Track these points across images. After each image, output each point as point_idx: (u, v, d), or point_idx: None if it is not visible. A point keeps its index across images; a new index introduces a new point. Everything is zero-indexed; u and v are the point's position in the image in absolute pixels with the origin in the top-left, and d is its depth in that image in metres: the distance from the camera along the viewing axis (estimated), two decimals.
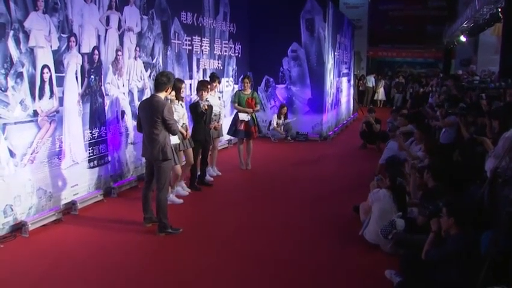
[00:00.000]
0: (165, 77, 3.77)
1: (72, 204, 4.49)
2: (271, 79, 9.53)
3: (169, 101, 4.31)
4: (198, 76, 7.25)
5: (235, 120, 6.39)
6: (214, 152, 6.12)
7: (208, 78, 6.28)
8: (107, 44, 4.95)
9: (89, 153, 4.82)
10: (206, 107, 5.22)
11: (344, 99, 12.07)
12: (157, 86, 3.79)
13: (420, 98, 10.99)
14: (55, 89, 4.22)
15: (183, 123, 4.75)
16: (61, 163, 4.39)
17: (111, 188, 5.11)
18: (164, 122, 3.71)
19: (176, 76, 5.69)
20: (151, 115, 3.72)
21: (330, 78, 9.84)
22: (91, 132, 4.81)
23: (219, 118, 5.91)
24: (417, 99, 10.75)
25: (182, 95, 4.87)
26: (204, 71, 7.43)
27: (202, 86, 5.28)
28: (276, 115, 9.17)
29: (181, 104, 4.78)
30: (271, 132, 9.20)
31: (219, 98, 6.08)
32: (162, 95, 3.81)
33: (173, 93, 4.53)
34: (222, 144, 8.02)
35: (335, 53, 10.29)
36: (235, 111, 6.54)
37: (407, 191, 3.87)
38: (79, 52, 4.53)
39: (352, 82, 13.50)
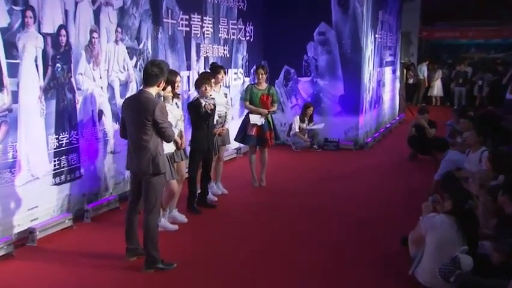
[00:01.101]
0: (157, 67, 3.73)
1: (29, 232, 4.28)
2: (293, 70, 9.55)
3: (162, 98, 4.31)
4: (197, 66, 7.26)
5: (246, 124, 6.41)
6: (218, 165, 6.16)
7: (209, 69, 6.33)
8: (77, 23, 4.83)
9: (55, 165, 4.69)
10: (211, 107, 5.28)
11: (387, 95, 12.01)
12: (146, 79, 3.75)
13: (497, 91, 10.67)
14: (6, 80, 3.98)
15: (180, 130, 4.75)
16: (15, 179, 4.17)
17: (84, 210, 5.06)
18: (156, 125, 3.69)
19: (170, 67, 5.67)
20: (139, 116, 3.71)
21: (368, 69, 9.80)
22: (57, 138, 4.69)
23: (225, 121, 5.95)
24: (495, 92, 10.38)
25: (178, 91, 4.85)
26: (206, 59, 7.45)
27: (205, 79, 5.31)
28: (298, 117, 9.17)
29: (176, 104, 4.79)
30: (292, 138, 9.20)
31: (225, 94, 6.09)
32: (153, 91, 3.78)
33: (168, 88, 4.46)
34: (229, 154, 8.05)
35: (376, 36, 10.26)
36: (245, 111, 6.55)
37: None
38: (39, 32, 4.32)
39: (398, 73, 13.41)
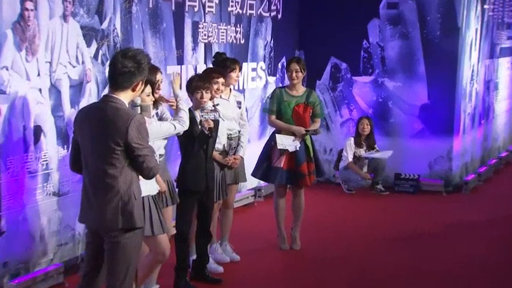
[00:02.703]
0: (131, 60, 3.77)
1: None
2: (344, 65, 9.57)
3: (139, 108, 4.33)
4: (194, 58, 7.31)
5: (270, 150, 6.46)
6: (226, 215, 6.25)
7: (211, 64, 6.30)
8: None
9: None
10: (210, 124, 5.33)
11: (501, 105, 11.93)
12: (115, 80, 3.79)
13: None
14: None
15: (160, 155, 4.87)
16: None
17: None
18: (130, 152, 3.75)
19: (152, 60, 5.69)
20: (103, 138, 3.73)
21: (470, 62, 9.76)
22: None
23: (238, 145, 6.09)
24: None
25: (157, 94, 4.90)
26: (208, 47, 7.49)
27: (201, 80, 5.43)
28: (352, 139, 9.13)
29: (157, 115, 4.95)
30: (342, 174, 9.20)
31: (238, 103, 6.17)
32: (126, 98, 3.82)
33: (147, 90, 4.59)
34: (242, 198, 8.06)
35: (485, 7, 10.18)
36: (269, 130, 6.62)
37: None
38: None
39: None
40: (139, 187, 3.89)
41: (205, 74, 5.63)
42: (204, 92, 5.33)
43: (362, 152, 9.11)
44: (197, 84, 5.37)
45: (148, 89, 4.63)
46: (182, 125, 4.84)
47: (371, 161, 9.14)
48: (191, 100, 5.47)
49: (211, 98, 5.48)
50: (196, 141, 5.31)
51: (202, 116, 5.31)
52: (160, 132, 4.75)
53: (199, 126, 5.28)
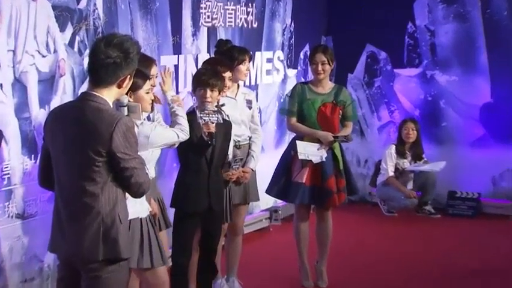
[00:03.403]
0: (117, 48, 3.79)
1: None
2: (383, 55, 9.63)
3: (126, 109, 4.37)
4: (194, 46, 7.36)
5: (289, 160, 6.49)
6: (234, 242, 6.31)
7: (214, 53, 6.37)
8: None
9: None
10: (211, 129, 5.37)
11: None
12: (96, 74, 3.80)
13: None
14: None
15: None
16: None
17: None
18: (114, 164, 3.76)
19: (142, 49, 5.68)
20: (81, 146, 3.74)
21: None
22: None
23: (249, 155, 6.17)
24: None
25: (151, 92, 4.91)
26: (211, 32, 7.55)
27: (209, 74, 5.47)
28: (393, 148, 9.16)
29: (149, 119, 5.01)
30: (381, 191, 9.24)
31: (248, 102, 6.22)
32: (109, 97, 3.84)
33: (146, 86, 4.63)
34: (254, 220, 8.11)
35: None
36: (288, 136, 6.68)
37: None
38: None
39: None
40: (126, 208, 3.90)
41: (209, 68, 5.65)
42: (208, 89, 5.37)
43: (406, 163, 9.14)
44: (200, 80, 5.41)
45: (147, 84, 4.69)
46: (186, 134, 4.93)
47: (418, 175, 9.15)
48: (194, 98, 5.53)
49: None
50: (196, 150, 5.36)
51: (201, 118, 5.33)
52: (163, 139, 4.84)
53: (201, 132, 5.32)
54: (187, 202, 5.45)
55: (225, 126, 5.51)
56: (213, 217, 5.54)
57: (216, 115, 5.39)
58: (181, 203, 5.48)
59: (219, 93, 5.48)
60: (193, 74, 5.75)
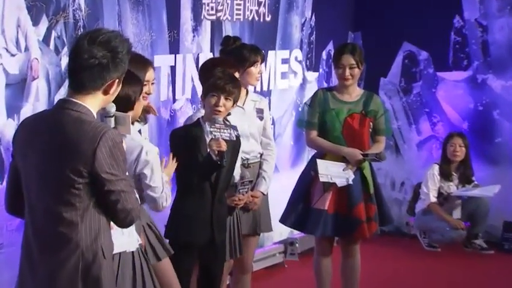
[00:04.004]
0: (103, 47, 3.78)
1: None
2: (424, 55, 9.66)
3: (112, 120, 4.38)
4: (195, 44, 7.42)
5: (309, 183, 6.52)
6: (241, 282, 6.37)
7: (219, 52, 6.42)
8: None
9: None
10: (222, 147, 5.38)
11: None
12: (78, 77, 3.79)
13: None
14: None
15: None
16: None
17: None
18: (98, 186, 3.76)
19: (133, 47, 5.64)
20: (59, 165, 3.75)
21: None
22: None
23: (260, 177, 6.19)
24: None
25: (146, 101, 4.98)
26: (217, 27, 7.60)
27: (226, 79, 5.49)
28: (436, 168, 9.18)
29: (140, 132, 5.07)
30: (421, 220, 9.24)
31: (259, 112, 6.25)
32: (93, 104, 3.85)
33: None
34: (266, 255, 8.11)
35: None
36: (308, 153, 6.71)
37: None
38: None
39: None
40: (111, 240, 3.91)
41: (228, 71, 5.62)
42: (222, 97, 5.35)
43: (452, 187, 9.15)
44: (215, 84, 5.38)
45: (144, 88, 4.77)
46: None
47: (467, 201, 9.15)
48: (201, 106, 5.55)
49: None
50: (201, 171, 5.38)
51: (211, 132, 5.33)
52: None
53: (209, 149, 5.32)
54: (185, 232, 5.48)
55: (232, 143, 5.50)
56: (214, 251, 5.55)
57: (229, 130, 5.39)
58: (177, 234, 5.50)
59: (233, 105, 5.49)
60: (200, 75, 5.77)
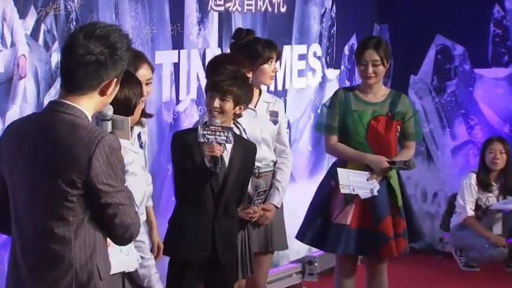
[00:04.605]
0: (101, 42, 3.77)
1: None
2: (459, 49, 9.69)
3: (109, 124, 4.40)
4: (201, 38, 7.47)
5: (328, 194, 6.55)
6: None
7: (229, 48, 6.51)
8: None
9: None
10: (215, 152, 5.39)
11: None
12: (72, 75, 3.79)
13: None
14: None
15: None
16: None
17: None
18: (94, 198, 3.77)
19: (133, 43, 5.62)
20: (50, 175, 3.77)
21: None
22: None
23: (273, 187, 6.21)
24: None
25: (142, 104, 4.97)
26: (225, 19, 7.64)
27: (225, 75, 5.55)
28: (474, 177, 9.20)
29: (139, 139, 5.11)
30: (456, 237, 9.25)
31: (273, 115, 6.27)
32: (89, 106, 3.87)
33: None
34: (281, 275, 8.13)
35: None
36: (326, 158, 6.68)
37: None
38: None
39: None
40: (107, 258, 3.93)
41: (234, 68, 5.66)
42: (217, 97, 5.39)
43: (492, 199, 9.16)
44: (211, 82, 5.46)
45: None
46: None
47: (508, 215, 9.19)
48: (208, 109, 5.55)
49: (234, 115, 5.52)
50: (191, 179, 5.42)
51: (203, 136, 5.36)
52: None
53: (205, 156, 5.37)
54: (184, 249, 5.49)
55: (245, 148, 5.56)
56: (218, 271, 5.57)
57: (225, 133, 5.39)
58: (176, 250, 5.51)
59: (239, 107, 5.50)
60: (207, 73, 5.83)
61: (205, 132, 5.35)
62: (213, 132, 5.36)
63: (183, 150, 5.45)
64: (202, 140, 5.34)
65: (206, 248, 5.48)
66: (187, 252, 5.49)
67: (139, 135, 5.04)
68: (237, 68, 5.65)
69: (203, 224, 5.49)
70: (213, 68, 5.76)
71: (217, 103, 5.41)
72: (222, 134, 5.38)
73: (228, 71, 5.58)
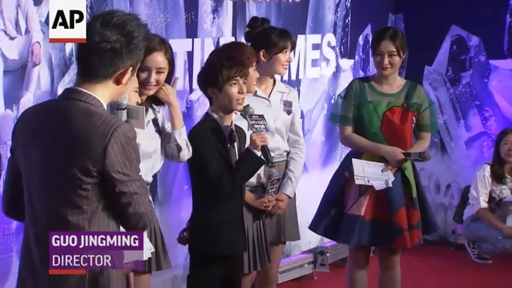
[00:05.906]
0: (117, 30, 3.80)
1: None
2: (474, 40, 9.68)
3: (125, 113, 4.49)
4: (215, 27, 7.47)
5: (342, 185, 6.54)
6: None
7: (244, 37, 6.48)
8: None
9: None
10: (265, 141, 5.41)
11: None
12: (88, 63, 3.81)
13: None
14: None
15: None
16: None
17: None
18: (109, 186, 3.78)
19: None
20: (65, 163, 3.77)
21: None
22: None
23: (286, 176, 6.22)
24: None
25: (149, 92, 5.00)
26: (240, 8, 7.66)
27: (236, 61, 5.51)
28: (488, 169, 9.19)
29: (153, 123, 5.09)
30: (470, 228, 9.25)
31: (287, 106, 6.28)
32: (104, 94, 3.88)
33: (134, 83, 4.72)
34: (293, 265, 8.16)
35: None
36: (340, 149, 6.73)
37: None
38: None
39: None
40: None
41: (232, 54, 5.64)
42: (241, 82, 5.36)
43: (506, 191, 9.17)
44: (231, 71, 5.38)
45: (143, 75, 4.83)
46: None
47: None
48: (209, 100, 5.54)
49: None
50: (240, 172, 5.37)
51: (252, 126, 5.40)
52: None
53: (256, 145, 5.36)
54: (223, 243, 5.46)
55: (243, 135, 5.57)
56: (236, 261, 5.58)
57: (263, 121, 5.46)
58: (214, 244, 5.45)
59: (249, 86, 5.55)
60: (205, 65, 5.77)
61: (253, 122, 5.39)
62: (256, 121, 5.41)
63: (217, 148, 5.38)
64: (251, 130, 5.37)
65: (241, 240, 5.53)
66: (227, 245, 5.46)
67: (154, 121, 5.02)
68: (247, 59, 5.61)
69: (235, 214, 5.51)
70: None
71: (244, 89, 5.40)
72: (260, 122, 5.44)
73: (233, 57, 5.54)
